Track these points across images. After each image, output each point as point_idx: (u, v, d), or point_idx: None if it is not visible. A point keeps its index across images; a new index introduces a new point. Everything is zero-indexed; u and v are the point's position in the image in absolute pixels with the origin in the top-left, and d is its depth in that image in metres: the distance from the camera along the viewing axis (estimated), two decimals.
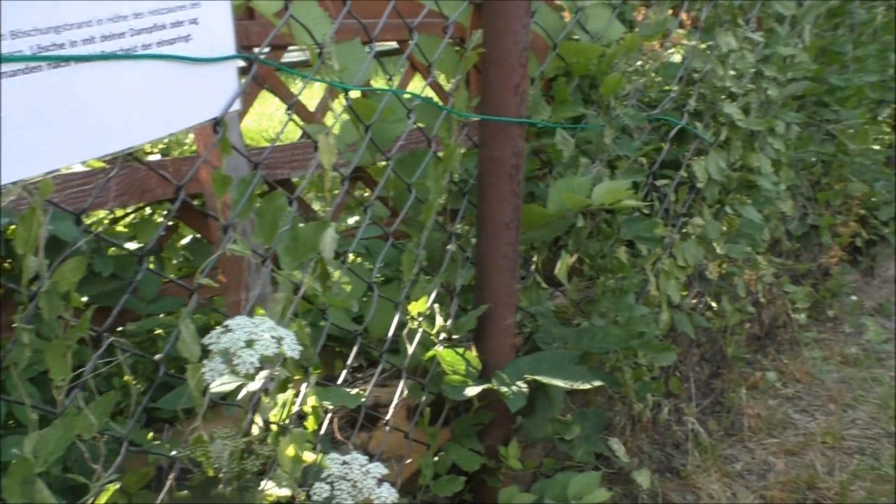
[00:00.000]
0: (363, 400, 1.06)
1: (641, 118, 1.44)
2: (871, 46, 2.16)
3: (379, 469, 0.77)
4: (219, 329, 0.78)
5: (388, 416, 1.20)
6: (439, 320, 1.26)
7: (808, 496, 1.57)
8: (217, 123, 0.80)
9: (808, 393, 2.02)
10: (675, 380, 1.80)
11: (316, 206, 2.44)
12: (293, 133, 3.02)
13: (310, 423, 1.00)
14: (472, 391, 1.19)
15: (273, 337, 0.75)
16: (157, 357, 0.83)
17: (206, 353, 0.78)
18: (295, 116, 0.96)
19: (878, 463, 1.69)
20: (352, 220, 2.38)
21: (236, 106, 0.83)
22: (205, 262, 0.82)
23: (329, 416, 1.05)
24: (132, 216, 1.93)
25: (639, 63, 1.63)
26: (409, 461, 1.28)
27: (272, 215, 0.90)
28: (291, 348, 0.76)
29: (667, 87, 1.66)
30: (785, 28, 1.81)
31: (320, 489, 0.77)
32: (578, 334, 1.40)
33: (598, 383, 1.21)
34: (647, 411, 1.67)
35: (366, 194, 2.34)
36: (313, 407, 0.99)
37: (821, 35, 2.04)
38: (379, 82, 1.23)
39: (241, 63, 0.81)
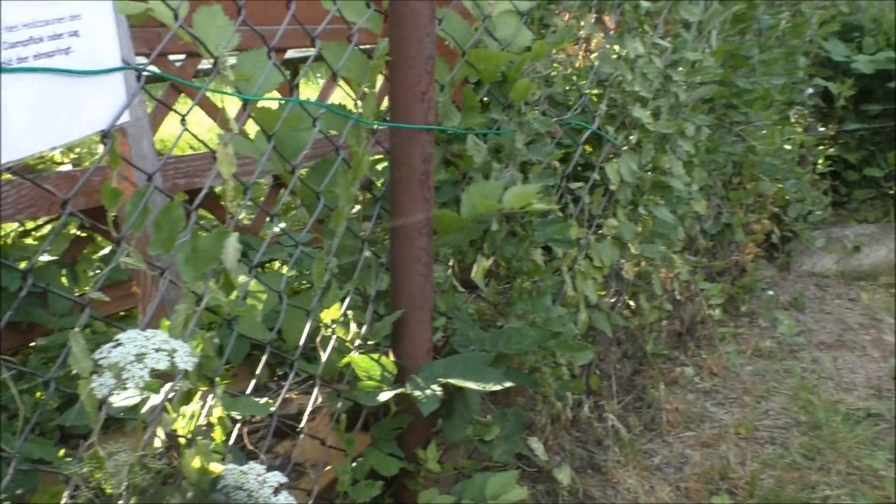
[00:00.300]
0: (272, 409, 1.05)
1: (550, 123, 1.47)
2: (777, 50, 2.25)
3: (277, 478, 0.77)
4: (110, 344, 0.77)
5: (301, 424, 1.20)
6: (353, 327, 1.27)
7: (720, 486, 1.63)
8: (105, 136, 0.79)
9: (724, 386, 2.09)
10: (595, 378, 1.84)
11: (242, 215, 2.42)
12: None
13: (217, 434, 0.99)
14: (384, 396, 1.20)
15: (164, 350, 0.74)
16: (49, 375, 0.81)
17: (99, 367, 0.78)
18: (193, 128, 0.95)
19: (788, 452, 1.76)
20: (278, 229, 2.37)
21: (141, 116, 0.82)
22: (98, 277, 0.81)
23: (239, 425, 1.04)
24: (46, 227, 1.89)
25: (560, 68, 1.66)
26: (328, 468, 1.29)
27: (169, 227, 0.90)
28: (184, 360, 0.76)
29: (588, 92, 1.70)
30: (692, 34, 1.87)
31: (215, 499, 0.77)
32: (495, 336, 1.42)
33: (509, 384, 1.23)
34: (568, 410, 1.70)
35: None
36: (220, 417, 0.98)
37: (728, 40, 2.11)
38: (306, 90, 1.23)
39: (125, 74, 0.81)
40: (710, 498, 1.58)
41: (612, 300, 1.86)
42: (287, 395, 1.74)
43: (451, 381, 1.25)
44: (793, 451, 1.76)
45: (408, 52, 1.22)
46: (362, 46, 1.29)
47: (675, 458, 1.77)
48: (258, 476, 0.76)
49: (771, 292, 2.74)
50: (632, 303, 1.91)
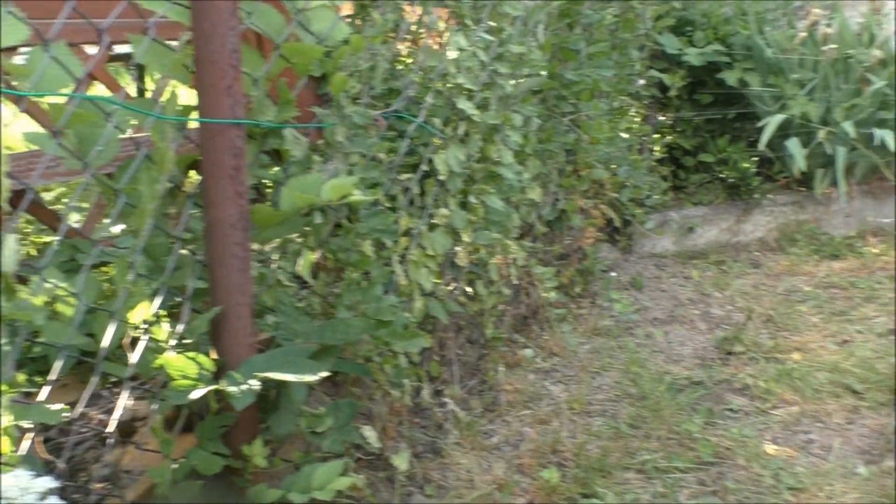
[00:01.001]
0: (66, 415, 1.02)
1: (369, 115, 1.50)
2: (603, 44, 2.37)
3: (45, 483, 0.75)
4: None
5: (109, 429, 1.17)
6: (166, 326, 1.25)
7: (551, 459, 1.71)
8: None
9: (563, 365, 2.19)
10: (435, 364, 1.89)
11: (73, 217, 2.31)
12: None
13: (4, 445, 0.96)
14: (196, 394, 1.19)
15: None
16: None
17: None
18: None
19: (616, 422, 1.86)
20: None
21: None
22: None
23: (30, 434, 1.01)
24: None
25: (384, 61, 1.69)
26: (148, 472, 1.26)
27: None
28: None
29: (423, 82, 1.73)
30: (517, 28, 1.94)
31: None
32: (321, 328, 1.44)
33: (324, 374, 1.25)
34: (406, 397, 1.74)
35: None
36: (5, 428, 0.94)
37: (557, 34, 2.21)
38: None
39: None
40: (540, 471, 1.65)
41: (450, 287, 1.91)
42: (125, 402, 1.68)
43: (270, 374, 1.25)
44: (620, 421, 1.87)
45: (210, 46, 1.21)
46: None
47: (512, 436, 1.84)
48: (22, 484, 0.74)
49: (614, 273, 2.89)
50: (469, 289, 1.97)
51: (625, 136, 2.96)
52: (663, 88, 3.40)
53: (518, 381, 2.05)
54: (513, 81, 1.91)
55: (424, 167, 1.75)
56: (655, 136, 3.41)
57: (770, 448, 1.73)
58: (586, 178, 2.40)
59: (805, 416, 1.87)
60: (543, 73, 2.03)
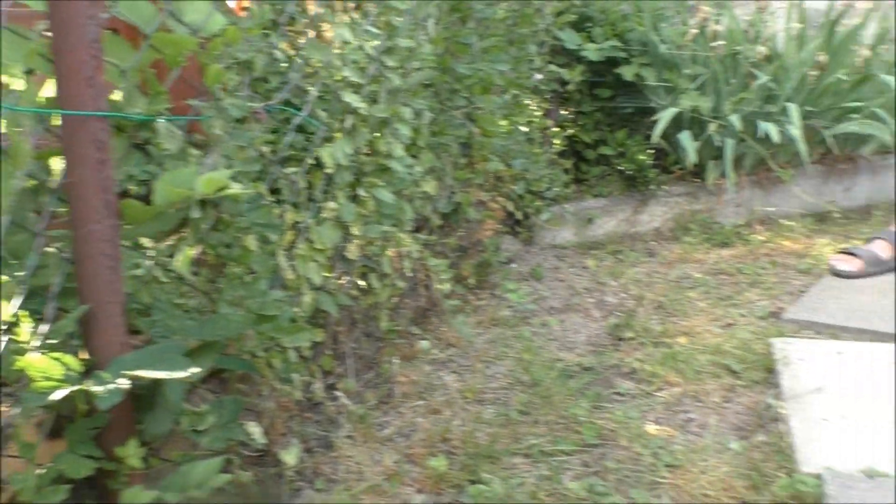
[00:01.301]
0: None
1: (247, 108, 1.48)
2: (496, 38, 2.40)
3: None
4: None
5: None
6: (27, 326, 1.20)
7: (441, 448, 1.73)
8: None
9: (460, 356, 2.22)
10: (328, 358, 1.88)
11: None
12: None
13: None
14: (57, 395, 1.15)
15: None
16: None
17: None
18: None
19: (507, 409, 1.90)
20: None
21: None
22: None
23: None
24: None
25: (263, 54, 1.66)
26: (10, 478, 1.22)
27: None
28: None
29: (317, 79, 1.72)
30: (405, 21, 1.95)
31: None
32: (199, 325, 1.41)
33: (195, 370, 1.23)
34: (297, 392, 1.73)
35: None
36: None
37: (450, 28, 2.22)
38: None
39: None
40: (429, 460, 1.67)
41: (341, 281, 1.91)
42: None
43: (139, 372, 1.22)
44: (511, 408, 1.90)
45: (68, 35, 1.17)
46: None
47: (405, 427, 1.85)
48: None
49: (515, 265, 2.94)
50: (362, 283, 1.97)
51: (524, 129, 3.01)
52: (564, 83, 3.47)
53: (414, 373, 2.07)
54: (401, 74, 1.92)
55: (311, 160, 1.74)
56: (557, 129, 3.48)
57: (651, 428, 1.80)
58: (481, 171, 2.43)
59: (686, 396, 1.95)
60: (434, 66, 2.04)
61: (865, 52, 3.35)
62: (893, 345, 2.03)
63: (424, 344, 2.18)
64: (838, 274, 2.56)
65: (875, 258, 2.56)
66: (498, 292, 2.63)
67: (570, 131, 3.59)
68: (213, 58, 1.45)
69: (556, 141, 3.36)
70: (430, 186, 2.17)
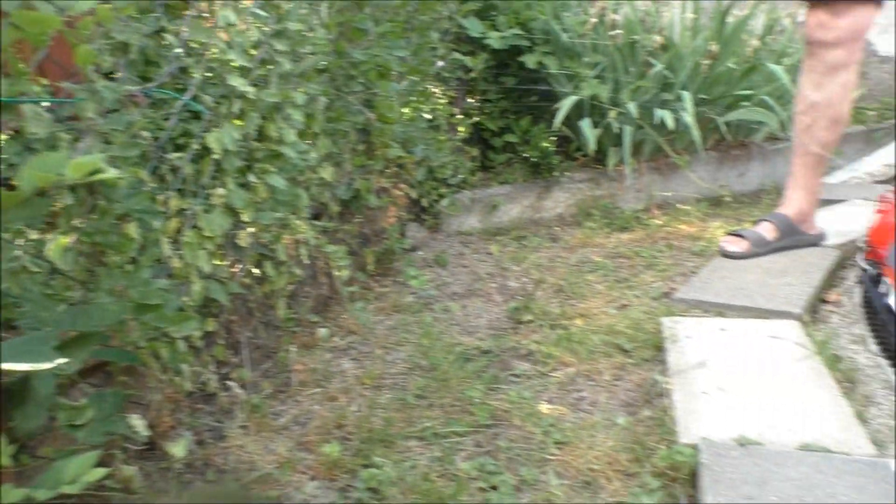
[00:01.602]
0: None
1: (120, 90, 1.43)
2: (393, 24, 2.40)
3: None
4: None
5: None
6: None
7: (335, 434, 1.73)
8: None
9: (360, 343, 2.21)
10: (220, 348, 1.85)
11: None
12: None
13: None
14: None
15: None
16: None
17: None
18: None
19: (404, 394, 1.91)
20: None
21: None
22: None
23: None
24: None
25: (139, 36, 1.61)
26: None
27: None
28: None
29: (202, 62, 1.67)
30: (296, 5, 1.92)
31: None
32: (72, 315, 1.36)
33: (63, 361, 1.19)
34: (187, 383, 1.69)
35: None
36: None
37: (342, 13, 2.20)
38: None
39: None
40: (323, 447, 1.66)
41: (234, 269, 1.88)
42: None
43: (3, 365, 1.17)
44: (408, 393, 1.91)
45: None
46: None
47: (301, 415, 1.84)
48: None
49: (420, 252, 2.95)
50: (256, 270, 1.94)
51: (428, 116, 3.02)
52: (469, 71, 3.50)
53: (313, 361, 2.05)
54: (293, 59, 1.89)
55: (197, 146, 1.69)
56: (462, 117, 3.51)
57: (544, 408, 1.84)
58: (381, 158, 2.43)
59: (579, 375, 2.00)
60: (328, 51, 2.02)
61: (755, 43, 3.50)
62: (773, 320, 2.14)
63: (324, 332, 2.17)
64: (727, 255, 2.68)
65: (761, 239, 2.68)
66: (401, 279, 2.63)
67: (476, 119, 3.62)
68: (84, 38, 1.39)
69: (461, 128, 3.38)
70: (327, 173, 2.15)
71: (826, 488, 1.39)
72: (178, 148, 1.72)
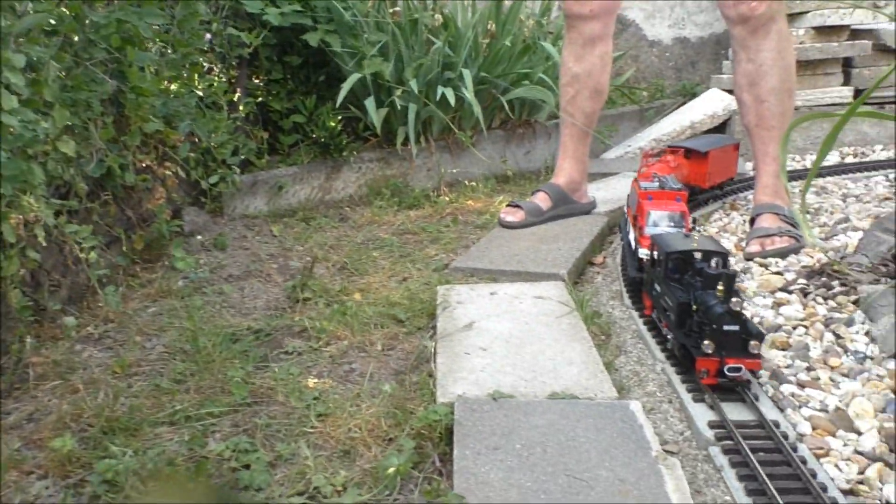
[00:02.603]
0: None
1: None
2: None
3: None
4: None
5: None
6: None
7: (72, 427, 1.57)
8: None
9: (117, 331, 2.04)
10: None
11: None
12: None
13: None
14: None
15: None
16: None
17: None
18: None
19: (159, 380, 1.77)
20: None
21: None
22: None
23: None
24: None
25: None
26: None
27: None
28: None
29: None
30: None
31: None
32: None
33: None
34: None
35: None
36: None
37: None
38: None
39: None
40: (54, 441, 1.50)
41: None
42: None
43: None
44: (164, 378, 1.78)
45: None
46: None
47: (36, 411, 1.65)
48: None
49: (200, 236, 2.78)
50: None
51: (199, 93, 2.86)
52: (250, 48, 3.35)
53: (56, 353, 1.86)
54: (9, 15, 1.69)
55: None
56: (248, 98, 3.36)
57: (311, 382, 1.78)
58: (136, 133, 2.25)
59: (352, 348, 1.96)
60: (57, 12, 1.83)
61: (531, 23, 3.63)
62: (540, 283, 2.21)
63: (69, 320, 1.97)
64: (504, 225, 2.75)
65: (536, 209, 2.78)
66: (169, 263, 2.47)
67: (262, 100, 3.49)
68: None
69: (242, 107, 3.24)
70: (67, 147, 1.95)
71: (568, 432, 1.43)
72: None
